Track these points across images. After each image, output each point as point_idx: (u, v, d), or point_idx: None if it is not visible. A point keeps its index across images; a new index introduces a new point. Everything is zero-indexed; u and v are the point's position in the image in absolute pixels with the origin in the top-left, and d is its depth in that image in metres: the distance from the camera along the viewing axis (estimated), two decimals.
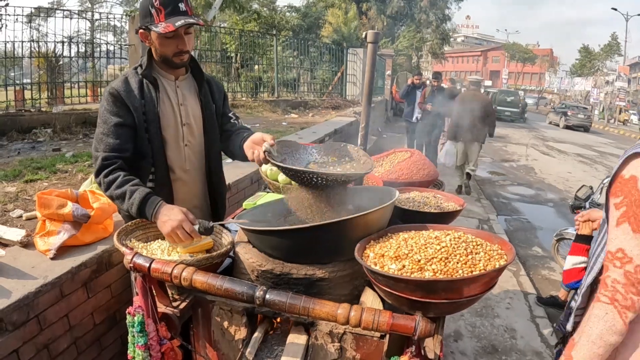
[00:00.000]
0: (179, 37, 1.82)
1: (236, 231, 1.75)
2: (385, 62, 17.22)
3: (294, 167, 1.55)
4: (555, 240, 4.95)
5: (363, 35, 1.80)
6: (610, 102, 28.80)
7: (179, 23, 1.74)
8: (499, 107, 22.74)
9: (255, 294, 1.26)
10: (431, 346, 1.34)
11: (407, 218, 1.91)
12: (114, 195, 1.71)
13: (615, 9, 35.96)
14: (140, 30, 1.83)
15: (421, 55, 28.27)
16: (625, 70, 35.08)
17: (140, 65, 1.89)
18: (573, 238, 4.39)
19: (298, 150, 1.80)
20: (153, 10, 1.75)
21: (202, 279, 1.33)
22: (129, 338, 1.49)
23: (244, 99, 11.66)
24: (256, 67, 13.55)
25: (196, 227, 1.58)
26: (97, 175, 1.75)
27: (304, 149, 1.83)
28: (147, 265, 1.40)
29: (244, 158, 1.88)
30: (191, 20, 1.78)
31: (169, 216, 1.59)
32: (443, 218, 1.96)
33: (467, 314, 3.71)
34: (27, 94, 7.79)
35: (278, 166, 1.54)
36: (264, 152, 1.59)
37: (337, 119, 9.37)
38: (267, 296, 1.25)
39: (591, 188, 4.56)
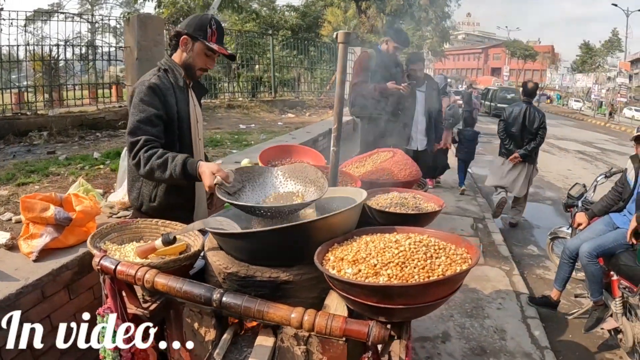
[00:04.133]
0: (212, 59, 2.12)
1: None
2: None
3: (239, 204, 1.64)
4: (549, 239, 4.93)
5: (334, 36, 1.78)
6: (611, 98, 28.69)
7: (230, 52, 2.15)
8: (499, 105, 22.76)
9: (212, 297, 1.27)
10: (397, 351, 1.33)
11: (385, 220, 1.91)
12: (154, 165, 1.81)
13: (616, 5, 35.85)
14: (185, 36, 2.03)
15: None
16: (627, 66, 34.91)
17: (170, 68, 2.08)
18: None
19: (262, 175, 1.88)
20: (209, 30, 2.03)
21: (163, 282, 1.34)
22: (99, 338, 1.50)
23: (240, 99, 11.66)
24: (256, 67, 13.54)
25: (158, 241, 1.64)
26: (136, 154, 1.84)
27: (269, 171, 1.91)
28: (113, 267, 1.42)
29: None
30: (234, 55, 2.25)
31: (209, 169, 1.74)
32: (420, 219, 1.94)
33: (457, 314, 3.68)
34: (26, 97, 7.80)
35: (228, 202, 1.63)
36: (215, 184, 1.69)
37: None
38: (224, 299, 1.26)
39: (584, 186, 4.51)
